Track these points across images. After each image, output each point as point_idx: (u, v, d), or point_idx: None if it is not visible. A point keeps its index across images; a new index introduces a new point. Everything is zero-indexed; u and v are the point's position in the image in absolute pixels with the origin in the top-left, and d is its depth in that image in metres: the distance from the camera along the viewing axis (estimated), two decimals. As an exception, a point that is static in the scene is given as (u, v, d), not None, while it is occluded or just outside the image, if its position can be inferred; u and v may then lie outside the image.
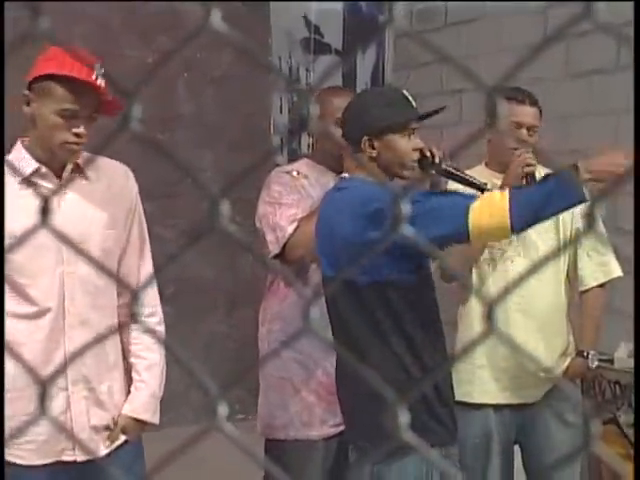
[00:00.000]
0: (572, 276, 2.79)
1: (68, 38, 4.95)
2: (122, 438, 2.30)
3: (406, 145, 2.28)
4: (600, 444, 0.56)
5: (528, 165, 2.58)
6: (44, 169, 2.16)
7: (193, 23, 0.58)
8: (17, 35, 0.63)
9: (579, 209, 2.73)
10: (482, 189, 2.32)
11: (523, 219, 2.04)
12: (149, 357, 2.35)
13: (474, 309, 2.72)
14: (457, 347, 2.86)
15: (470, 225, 2.02)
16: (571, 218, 2.73)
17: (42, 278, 2.13)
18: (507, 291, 0.63)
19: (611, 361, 3.31)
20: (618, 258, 2.80)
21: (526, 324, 2.59)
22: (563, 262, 2.75)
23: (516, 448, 2.87)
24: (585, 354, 2.77)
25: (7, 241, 2.04)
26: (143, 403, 2.36)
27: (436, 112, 2.35)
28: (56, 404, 2.12)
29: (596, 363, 2.80)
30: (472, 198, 2.12)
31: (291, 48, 5.78)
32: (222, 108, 5.48)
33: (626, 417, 3.20)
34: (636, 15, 3.30)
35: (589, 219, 0.57)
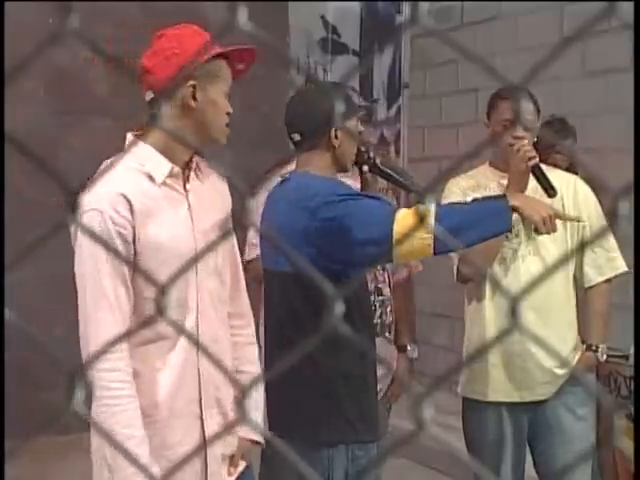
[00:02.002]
0: (579, 272, 2.79)
1: (92, 38, 4.97)
2: (243, 464, 2.05)
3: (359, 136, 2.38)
4: (623, 439, 0.56)
5: (530, 159, 2.54)
6: (176, 168, 1.91)
7: (215, 23, 0.59)
8: (46, 34, 0.63)
9: (587, 205, 2.74)
10: (412, 191, 2.36)
11: (445, 242, 2.05)
12: (252, 371, 2.10)
13: (488, 307, 2.71)
14: (467, 345, 2.86)
15: (394, 234, 2.02)
16: (577, 216, 2.72)
17: (176, 292, 1.87)
18: (529, 289, 0.63)
19: (627, 357, 3.29)
20: (626, 254, 2.78)
21: (538, 321, 2.58)
22: (571, 259, 2.74)
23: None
24: (594, 348, 2.76)
25: (148, 251, 1.82)
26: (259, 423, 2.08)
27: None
28: (193, 435, 1.88)
29: (605, 357, 2.80)
30: (397, 207, 2.18)
31: (309, 48, 5.77)
32: (241, 107, 5.48)
33: None
34: (636, 15, 3.28)
35: (611, 217, 0.57)
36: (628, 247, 2.64)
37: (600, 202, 2.78)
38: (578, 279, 2.80)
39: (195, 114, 1.88)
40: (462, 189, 2.73)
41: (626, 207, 0.55)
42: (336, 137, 2.28)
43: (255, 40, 0.57)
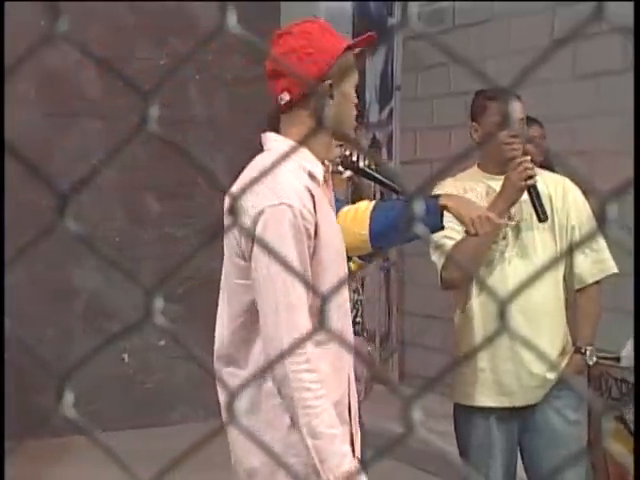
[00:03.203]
0: (568, 274, 2.78)
1: (83, 40, 4.96)
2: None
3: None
4: (611, 441, 0.56)
5: (529, 177, 2.55)
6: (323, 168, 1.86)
7: (205, 26, 0.59)
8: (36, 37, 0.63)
9: (576, 207, 2.74)
10: (396, 191, 2.38)
11: (381, 235, 2.13)
12: None
13: (476, 311, 2.71)
14: (457, 349, 2.85)
15: None
16: (566, 218, 2.73)
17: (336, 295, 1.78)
18: (517, 292, 0.63)
19: (618, 359, 3.29)
20: (616, 256, 2.78)
21: (526, 324, 2.58)
22: (560, 261, 2.74)
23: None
24: (583, 350, 2.76)
25: (321, 250, 1.74)
26: None
27: None
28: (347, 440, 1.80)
29: (594, 359, 2.79)
30: (346, 204, 2.22)
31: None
32: (233, 109, 5.48)
33: (632, 415, 3.19)
34: (636, 15, 3.29)
35: (600, 219, 0.57)
36: (617, 249, 2.65)
37: (589, 203, 2.78)
38: (568, 281, 2.79)
39: (332, 111, 1.84)
40: (448, 192, 2.73)
41: (614, 209, 0.55)
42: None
43: (245, 43, 0.57)
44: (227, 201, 1.61)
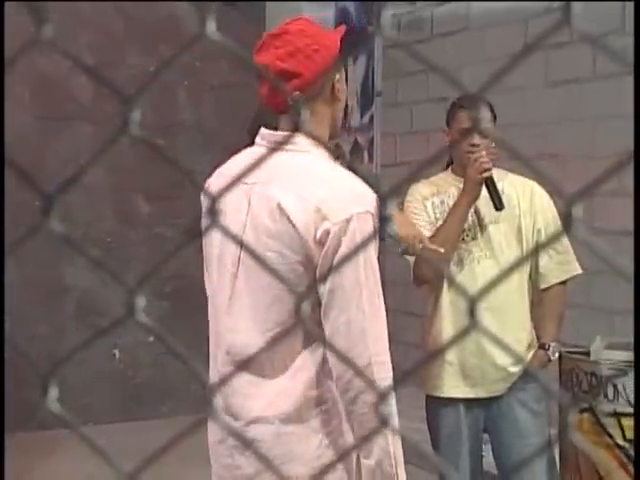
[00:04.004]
0: (534, 274, 2.81)
1: (73, 46, 4.94)
2: None
3: None
4: (576, 433, 0.56)
5: (485, 170, 2.61)
6: None
7: (192, 32, 0.58)
8: (20, 43, 0.62)
9: (543, 209, 2.76)
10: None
11: None
12: None
13: (445, 307, 2.75)
14: (430, 344, 2.87)
15: None
16: (533, 221, 2.77)
17: None
18: (486, 290, 0.63)
19: (587, 354, 3.31)
20: (584, 257, 2.80)
21: (493, 321, 2.61)
22: (526, 262, 2.78)
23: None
24: (547, 346, 2.80)
25: None
26: None
27: None
28: None
29: (557, 355, 2.84)
30: None
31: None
32: (220, 114, 5.47)
33: (601, 407, 3.21)
34: (636, 15, 3.30)
35: (566, 220, 0.57)
36: (583, 249, 2.66)
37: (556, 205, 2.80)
38: (533, 280, 2.82)
39: (334, 106, 1.80)
40: (422, 195, 2.78)
41: (580, 210, 0.55)
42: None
43: (224, 48, 0.57)
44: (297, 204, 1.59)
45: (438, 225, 2.72)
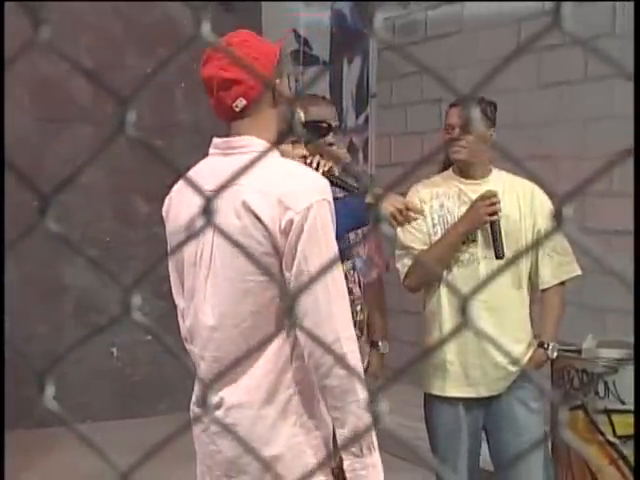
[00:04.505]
0: (534, 275, 2.81)
1: (72, 49, 4.93)
2: None
3: (291, 152, 2.38)
4: (566, 431, 0.56)
5: (494, 213, 2.65)
6: None
7: (188, 34, 0.58)
8: (18, 45, 0.62)
9: (542, 212, 2.76)
10: (350, 191, 2.43)
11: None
12: None
13: (445, 309, 2.75)
14: (430, 344, 2.88)
15: None
16: (533, 222, 2.77)
17: None
18: (478, 289, 0.63)
19: (579, 352, 3.32)
20: (580, 258, 2.80)
21: (492, 320, 2.61)
22: (525, 263, 2.77)
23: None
24: (546, 346, 2.80)
25: None
26: None
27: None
28: None
29: (555, 354, 2.84)
30: None
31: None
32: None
33: (593, 404, 3.21)
34: (636, 15, 3.30)
35: (557, 220, 0.57)
36: (575, 249, 2.67)
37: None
38: (533, 280, 2.82)
39: (278, 109, 1.87)
40: (421, 199, 2.76)
41: (570, 210, 0.55)
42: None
43: (221, 50, 0.56)
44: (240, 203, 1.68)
45: (434, 230, 2.73)
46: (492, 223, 2.66)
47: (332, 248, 1.71)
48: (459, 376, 2.75)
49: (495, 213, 2.64)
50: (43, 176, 4.31)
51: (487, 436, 2.85)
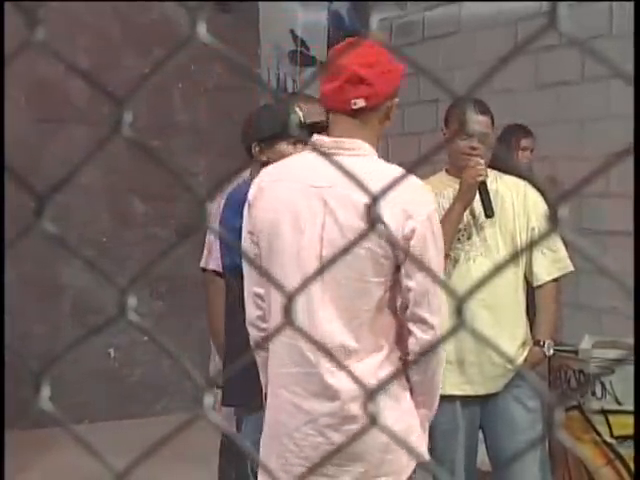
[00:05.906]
0: (528, 272, 2.82)
1: (69, 50, 4.93)
2: None
3: (292, 151, 2.38)
4: (562, 431, 0.56)
5: (479, 175, 2.66)
6: None
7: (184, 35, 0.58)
8: (15, 46, 0.62)
9: (535, 210, 2.77)
10: None
11: None
12: None
13: (445, 310, 2.75)
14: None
15: None
16: (526, 220, 2.78)
17: None
18: (475, 288, 0.63)
19: (576, 352, 3.32)
20: (574, 257, 2.81)
21: (490, 319, 2.62)
22: (520, 260, 2.78)
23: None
24: (542, 343, 2.80)
25: None
26: None
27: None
28: None
29: (552, 351, 2.85)
30: None
31: (279, 60, 5.77)
32: (214, 116, 5.46)
33: (589, 404, 3.22)
34: (636, 15, 3.30)
35: (552, 220, 0.57)
36: (571, 249, 2.66)
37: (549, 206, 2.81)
38: (528, 278, 2.83)
39: (383, 125, 1.94)
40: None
41: (565, 210, 0.55)
42: (262, 152, 2.50)
43: (215, 51, 0.56)
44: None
45: None
46: (479, 186, 2.68)
47: (443, 250, 1.89)
48: (456, 374, 2.75)
49: (481, 175, 2.66)
50: (40, 177, 4.31)
51: (484, 434, 2.86)
